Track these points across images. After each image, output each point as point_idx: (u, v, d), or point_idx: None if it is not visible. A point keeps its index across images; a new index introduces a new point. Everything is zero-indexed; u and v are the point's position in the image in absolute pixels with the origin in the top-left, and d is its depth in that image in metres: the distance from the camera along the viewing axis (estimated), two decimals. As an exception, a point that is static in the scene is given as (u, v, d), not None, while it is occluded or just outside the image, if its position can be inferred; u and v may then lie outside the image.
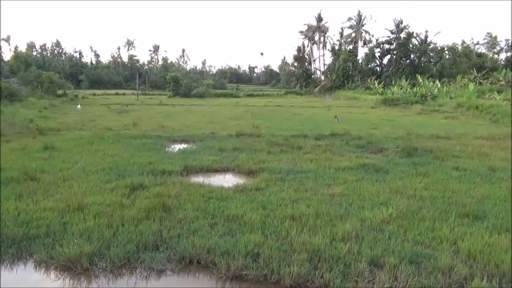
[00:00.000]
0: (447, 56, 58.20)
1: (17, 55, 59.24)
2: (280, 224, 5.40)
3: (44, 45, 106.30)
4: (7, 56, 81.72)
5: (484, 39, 63.48)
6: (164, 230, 5.15)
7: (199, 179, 8.08)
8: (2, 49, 74.51)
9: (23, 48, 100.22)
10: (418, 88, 41.27)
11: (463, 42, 60.44)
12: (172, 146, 12.21)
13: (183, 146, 12.29)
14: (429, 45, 59.51)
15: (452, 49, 57.97)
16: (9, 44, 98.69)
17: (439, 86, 40.62)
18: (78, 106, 29.49)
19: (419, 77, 45.80)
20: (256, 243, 4.68)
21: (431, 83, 41.89)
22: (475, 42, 62.70)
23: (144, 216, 5.60)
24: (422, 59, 59.53)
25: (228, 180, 8.23)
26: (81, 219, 5.42)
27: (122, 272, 4.29)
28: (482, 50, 61.29)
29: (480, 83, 40.64)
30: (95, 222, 5.29)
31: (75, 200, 6.08)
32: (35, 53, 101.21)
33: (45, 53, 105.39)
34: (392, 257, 4.39)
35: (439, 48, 59.27)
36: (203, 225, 5.34)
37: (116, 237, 4.90)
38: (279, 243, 4.77)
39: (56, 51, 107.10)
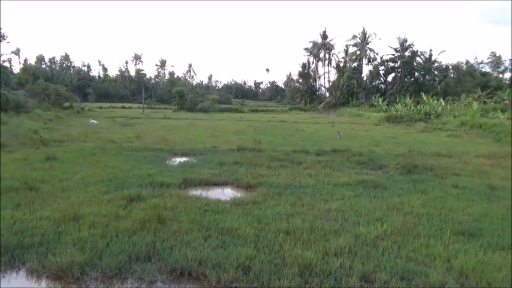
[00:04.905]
0: (451, 75, 58.33)
1: (26, 68, 60.15)
2: (274, 237, 5.40)
3: (53, 58, 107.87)
4: (16, 68, 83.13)
5: (488, 58, 63.59)
6: (158, 241, 5.17)
7: (197, 191, 8.11)
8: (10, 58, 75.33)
9: (32, 61, 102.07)
10: (422, 106, 41.28)
11: (467, 61, 60.61)
12: (173, 159, 12.27)
13: (183, 159, 12.35)
14: (433, 63, 59.76)
15: (456, 68, 58.11)
16: (18, 57, 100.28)
17: (443, 104, 40.60)
18: (92, 121, 25.28)
19: (423, 95, 45.87)
20: (248, 256, 4.68)
21: (435, 101, 41.90)
22: (479, 62, 62.86)
23: (138, 228, 5.62)
24: (426, 77, 59.74)
25: (225, 194, 8.25)
26: (75, 229, 5.46)
27: (112, 282, 4.29)
28: (487, 69, 61.39)
29: (484, 102, 40.63)
30: (89, 232, 5.32)
31: (72, 210, 6.13)
32: (44, 66, 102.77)
33: (54, 66, 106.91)
34: (384, 273, 4.37)
35: (443, 66, 59.49)
36: (197, 237, 5.35)
37: (109, 247, 4.92)
38: (271, 257, 4.77)
39: (64, 65, 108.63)
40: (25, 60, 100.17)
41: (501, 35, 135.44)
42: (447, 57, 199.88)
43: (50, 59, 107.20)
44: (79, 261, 4.45)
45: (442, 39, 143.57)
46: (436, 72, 59.55)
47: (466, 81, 53.77)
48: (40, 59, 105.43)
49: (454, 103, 41.63)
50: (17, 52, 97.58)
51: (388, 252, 5.03)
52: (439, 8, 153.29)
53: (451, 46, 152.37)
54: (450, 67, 59.29)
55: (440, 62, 60.16)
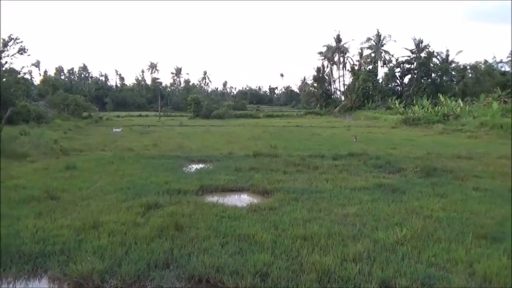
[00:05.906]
0: (470, 75, 57.17)
1: (46, 79, 61.63)
2: (291, 243, 5.37)
3: (72, 69, 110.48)
4: (37, 80, 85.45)
5: (507, 57, 62.06)
6: (175, 248, 5.21)
7: (213, 198, 8.16)
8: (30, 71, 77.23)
9: (52, 72, 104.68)
10: (440, 107, 40.60)
11: (486, 61, 59.23)
12: (190, 166, 12.37)
13: (200, 165, 12.44)
14: (451, 64, 58.73)
15: (474, 68, 56.93)
16: (39, 69, 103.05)
17: (461, 105, 39.81)
18: (115, 130, 25.45)
19: (441, 96, 45.08)
20: (266, 262, 4.67)
21: (453, 102, 41.11)
22: (498, 61, 61.36)
23: (156, 235, 5.68)
24: (444, 78, 58.73)
25: (242, 200, 8.27)
26: (95, 237, 5.54)
27: (131, 289, 4.34)
28: (506, 68, 59.82)
29: (505, 102, 39.67)
30: (109, 240, 5.39)
31: (91, 218, 6.24)
32: (63, 77, 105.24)
33: (72, 76, 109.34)
34: (404, 279, 4.30)
35: (461, 67, 58.39)
36: (214, 244, 5.37)
37: (128, 255, 4.98)
38: (289, 263, 4.74)
39: (82, 75, 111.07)
40: (45, 72, 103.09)
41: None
42: (465, 57, 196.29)
43: (68, 70, 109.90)
44: (99, 269, 4.51)
45: (459, 39, 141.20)
46: (453, 73, 58.54)
47: (484, 81, 52.54)
48: (59, 70, 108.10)
49: (473, 104, 40.77)
50: (37, 64, 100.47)
51: (408, 257, 4.94)
52: (454, 9, 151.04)
53: (469, 46, 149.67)
54: (468, 67, 58.17)
55: (458, 62, 59.17)
